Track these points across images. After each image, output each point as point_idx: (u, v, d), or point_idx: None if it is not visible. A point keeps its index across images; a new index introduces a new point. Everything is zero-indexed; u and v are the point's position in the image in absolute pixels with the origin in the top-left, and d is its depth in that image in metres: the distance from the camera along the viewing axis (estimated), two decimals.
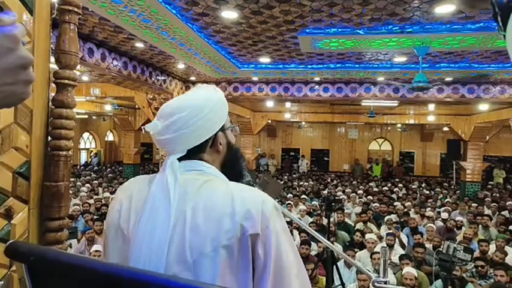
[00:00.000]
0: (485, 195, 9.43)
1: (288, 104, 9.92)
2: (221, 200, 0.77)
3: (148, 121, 10.96)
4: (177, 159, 0.85)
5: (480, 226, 6.12)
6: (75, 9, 1.17)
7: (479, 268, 4.09)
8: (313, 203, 7.95)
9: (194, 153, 0.86)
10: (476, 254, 4.51)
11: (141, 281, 0.59)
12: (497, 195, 10.02)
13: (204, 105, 0.85)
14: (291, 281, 0.77)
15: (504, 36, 0.58)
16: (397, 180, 12.88)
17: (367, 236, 4.96)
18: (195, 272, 0.73)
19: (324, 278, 3.86)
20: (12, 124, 1.03)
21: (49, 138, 1.15)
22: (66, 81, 1.16)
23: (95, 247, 4.12)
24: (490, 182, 12.34)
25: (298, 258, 0.81)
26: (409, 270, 3.68)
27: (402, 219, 6.46)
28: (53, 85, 1.17)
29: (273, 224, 0.77)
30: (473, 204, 7.94)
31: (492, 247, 4.90)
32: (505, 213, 7.33)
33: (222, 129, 0.91)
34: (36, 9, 1.09)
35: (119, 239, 0.83)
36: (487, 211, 7.57)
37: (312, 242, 4.84)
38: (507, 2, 0.57)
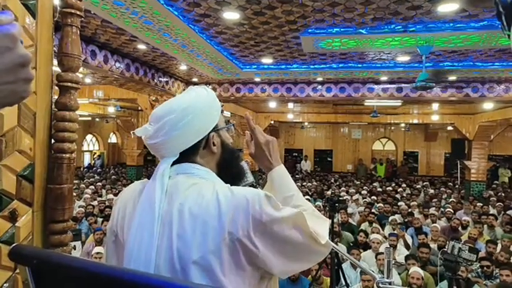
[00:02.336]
0: (490, 195, 9.36)
1: (290, 105, 9.91)
2: (207, 204, 0.75)
3: None
4: (172, 163, 0.84)
5: (485, 226, 6.08)
6: (77, 12, 1.18)
7: (485, 268, 4.05)
8: (316, 203, 7.93)
9: (187, 156, 0.85)
10: (482, 254, 4.48)
11: (143, 284, 0.59)
12: (503, 194, 9.94)
13: (191, 107, 0.83)
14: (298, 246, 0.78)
15: (508, 35, 0.58)
16: (401, 180, 12.83)
17: (372, 236, 4.94)
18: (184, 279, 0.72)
19: (328, 279, 3.85)
20: (16, 127, 1.03)
21: (52, 141, 1.15)
22: (69, 84, 1.17)
23: (96, 249, 4.13)
24: (495, 182, 12.26)
25: (294, 219, 0.77)
26: (416, 269, 3.66)
27: (406, 220, 6.43)
28: (56, 88, 1.18)
29: (265, 217, 0.74)
30: (478, 204, 7.89)
31: (497, 247, 4.86)
32: (511, 212, 7.25)
33: (216, 129, 0.88)
34: (39, 13, 1.09)
35: (116, 244, 0.85)
36: (492, 211, 7.52)
37: None
38: (511, 1, 0.56)
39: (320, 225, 0.85)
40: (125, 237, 0.80)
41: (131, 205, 0.84)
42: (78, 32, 1.20)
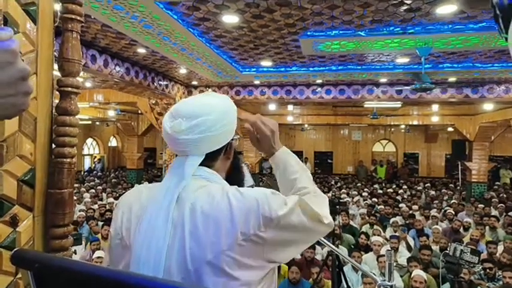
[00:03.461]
0: (491, 196, 9.34)
1: (290, 107, 9.93)
2: (218, 204, 0.77)
3: (151, 126, 11.03)
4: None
5: (487, 227, 6.06)
6: (78, 18, 1.18)
7: (487, 270, 4.04)
8: None
9: (212, 158, 0.87)
10: (484, 255, 4.46)
11: None
12: (504, 195, 9.93)
13: (228, 111, 0.87)
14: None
15: (506, 38, 0.58)
16: (401, 181, 12.81)
17: (373, 238, 4.93)
18: (197, 281, 0.73)
19: (330, 282, 3.83)
20: (17, 132, 1.04)
21: (53, 145, 1.15)
22: (70, 88, 1.17)
23: (97, 253, 4.13)
24: (497, 183, 12.24)
25: (307, 217, 0.82)
26: (419, 273, 3.64)
27: (408, 221, 6.41)
28: (57, 93, 1.18)
29: (274, 214, 0.77)
30: (479, 205, 7.87)
31: (500, 248, 4.85)
32: None
33: (232, 138, 0.93)
34: (40, 18, 1.10)
35: (122, 247, 0.84)
36: (494, 212, 7.50)
37: (316, 246, 4.81)
38: (508, 4, 0.56)
39: (321, 205, 0.89)
40: (132, 240, 0.80)
41: (137, 207, 0.84)
42: (79, 37, 1.20)
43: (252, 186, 1.20)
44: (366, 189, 10.33)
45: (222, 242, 0.73)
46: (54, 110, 1.16)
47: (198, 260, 0.74)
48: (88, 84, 6.78)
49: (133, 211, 0.85)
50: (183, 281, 0.74)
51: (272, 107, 9.02)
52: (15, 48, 0.48)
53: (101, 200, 8.57)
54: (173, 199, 0.79)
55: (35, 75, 1.08)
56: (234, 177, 0.93)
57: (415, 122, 11.77)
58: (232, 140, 0.91)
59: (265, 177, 12.06)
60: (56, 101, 1.18)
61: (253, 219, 0.75)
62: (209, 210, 0.76)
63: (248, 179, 1.12)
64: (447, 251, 3.87)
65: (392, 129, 15.44)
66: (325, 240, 1.46)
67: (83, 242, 5.06)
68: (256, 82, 6.95)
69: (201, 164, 0.86)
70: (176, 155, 0.90)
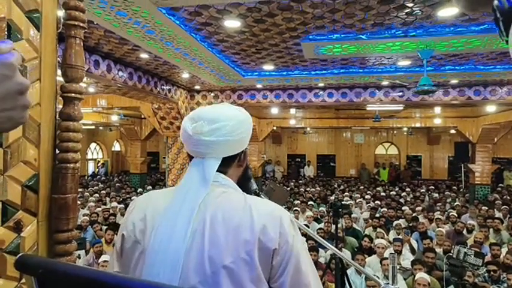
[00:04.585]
0: (495, 198, 9.28)
1: (292, 110, 9.93)
2: (239, 212, 0.79)
3: (154, 130, 11.06)
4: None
5: (491, 229, 6.02)
6: (81, 24, 1.19)
7: (492, 272, 4.01)
8: (320, 209, 7.90)
9: (227, 164, 0.90)
10: (488, 258, 4.43)
11: None
12: (508, 197, 9.85)
13: (244, 121, 0.91)
14: None
15: (507, 41, 0.58)
16: (404, 184, 12.75)
17: (377, 241, 4.90)
18: (213, 285, 0.74)
19: (333, 285, 3.82)
20: (21, 138, 1.05)
21: (57, 151, 1.16)
22: (73, 94, 1.18)
23: (103, 257, 4.13)
24: (500, 185, 12.16)
25: (314, 270, 0.83)
26: (423, 275, 3.62)
27: (411, 224, 6.38)
28: (60, 98, 1.19)
29: (291, 239, 0.79)
30: (483, 208, 7.82)
31: (504, 250, 4.81)
32: None
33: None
34: (43, 25, 1.11)
35: (135, 250, 0.84)
36: (497, 214, 7.44)
37: (320, 249, 4.79)
38: (509, 7, 0.56)
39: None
40: (147, 242, 0.81)
41: (152, 211, 0.85)
42: (82, 43, 1.21)
43: (255, 190, 1.21)
44: (368, 192, 10.29)
45: (240, 248, 0.75)
46: (57, 116, 1.17)
47: (216, 264, 0.75)
48: (91, 90, 6.81)
49: (147, 214, 0.85)
50: (199, 285, 0.74)
51: (274, 110, 9.04)
52: (13, 61, 0.48)
53: (105, 204, 8.58)
54: (195, 205, 0.80)
55: (38, 82, 1.09)
56: (242, 185, 0.95)
57: (418, 125, 11.74)
58: (246, 149, 0.95)
59: (268, 181, 12.06)
60: (60, 106, 1.19)
61: (271, 231, 0.77)
62: (230, 218, 0.78)
63: (252, 183, 1.12)
64: (451, 254, 3.85)
65: (395, 132, 15.40)
66: (328, 243, 1.45)
67: (87, 247, 5.06)
68: (259, 86, 6.96)
69: (220, 169, 0.89)
70: (191, 158, 0.92)
